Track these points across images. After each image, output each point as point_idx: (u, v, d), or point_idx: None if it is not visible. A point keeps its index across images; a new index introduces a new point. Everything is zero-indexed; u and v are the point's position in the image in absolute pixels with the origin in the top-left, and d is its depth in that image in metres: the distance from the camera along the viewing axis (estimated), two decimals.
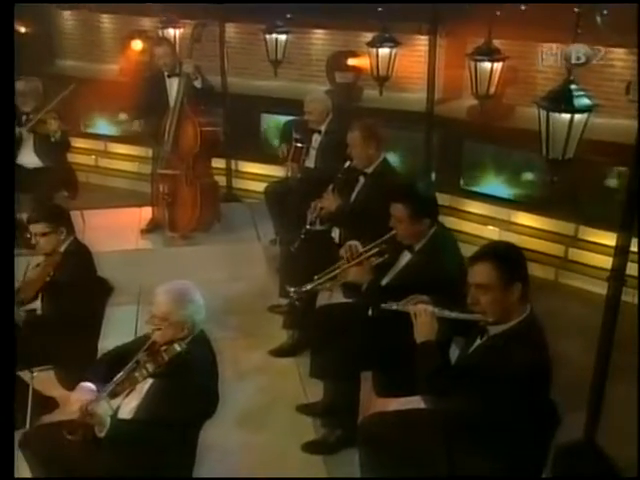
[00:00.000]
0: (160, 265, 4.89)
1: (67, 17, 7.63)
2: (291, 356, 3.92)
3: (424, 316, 2.38)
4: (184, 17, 6.05)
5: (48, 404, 3.58)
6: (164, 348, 2.58)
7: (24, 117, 4.87)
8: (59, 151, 4.96)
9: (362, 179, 3.86)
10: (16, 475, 2.39)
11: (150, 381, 2.63)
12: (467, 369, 2.35)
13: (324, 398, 3.37)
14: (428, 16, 5.12)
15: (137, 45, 7.14)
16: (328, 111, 4.68)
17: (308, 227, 3.91)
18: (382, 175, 3.80)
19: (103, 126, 7.64)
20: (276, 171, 6.00)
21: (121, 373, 2.55)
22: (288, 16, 6.30)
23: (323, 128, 4.68)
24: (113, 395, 2.55)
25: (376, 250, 3.20)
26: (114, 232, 5.33)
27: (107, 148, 7.56)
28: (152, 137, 5.14)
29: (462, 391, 2.33)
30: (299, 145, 4.69)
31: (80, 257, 3.54)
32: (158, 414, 2.54)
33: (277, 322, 4.25)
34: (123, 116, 6.80)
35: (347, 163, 3.89)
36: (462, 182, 6.23)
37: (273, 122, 6.80)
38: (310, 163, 4.71)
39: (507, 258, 2.33)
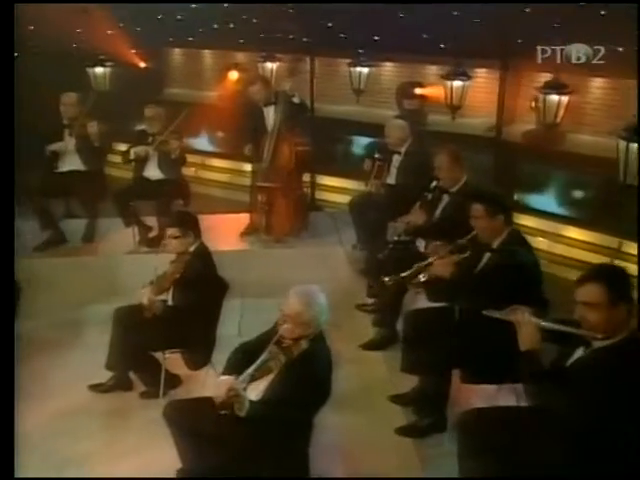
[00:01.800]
0: (257, 264, 4.91)
1: (176, 53, 7.76)
2: (380, 350, 3.87)
3: (529, 327, 2.29)
4: (280, 52, 6.07)
5: (175, 381, 3.64)
6: (292, 344, 2.60)
7: (150, 138, 4.96)
8: (177, 166, 5.04)
9: (446, 197, 3.79)
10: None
11: (277, 370, 2.62)
12: (569, 377, 2.25)
13: (415, 388, 3.30)
14: (492, 52, 5.00)
15: (233, 75, 7.22)
16: (407, 136, 4.63)
17: (396, 238, 3.85)
18: (465, 194, 3.72)
19: (203, 143, 7.74)
20: (353, 185, 5.97)
21: (257, 363, 2.56)
22: (360, 51, 6.27)
23: (403, 150, 4.62)
24: (251, 380, 2.56)
25: (458, 245, 3.20)
26: (217, 235, 5.38)
27: (204, 162, 7.64)
28: (253, 156, 5.18)
29: (562, 396, 2.22)
30: (381, 164, 4.65)
31: (205, 258, 3.59)
32: (285, 398, 2.54)
33: (363, 319, 4.20)
34: (221, 134, 6.83)
35: (434, 183, 3.81)
36: (516, 197, 6.06)
37: (351, 142, 6.77)
38: (391, 180, 4.65)
39: (615, 279, 2.23)
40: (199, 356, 3.54)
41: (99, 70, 6.71)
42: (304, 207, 5.21)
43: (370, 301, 4.16)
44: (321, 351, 2.64)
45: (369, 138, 6.39)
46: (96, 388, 3.64)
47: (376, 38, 6.22)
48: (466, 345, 2.97)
